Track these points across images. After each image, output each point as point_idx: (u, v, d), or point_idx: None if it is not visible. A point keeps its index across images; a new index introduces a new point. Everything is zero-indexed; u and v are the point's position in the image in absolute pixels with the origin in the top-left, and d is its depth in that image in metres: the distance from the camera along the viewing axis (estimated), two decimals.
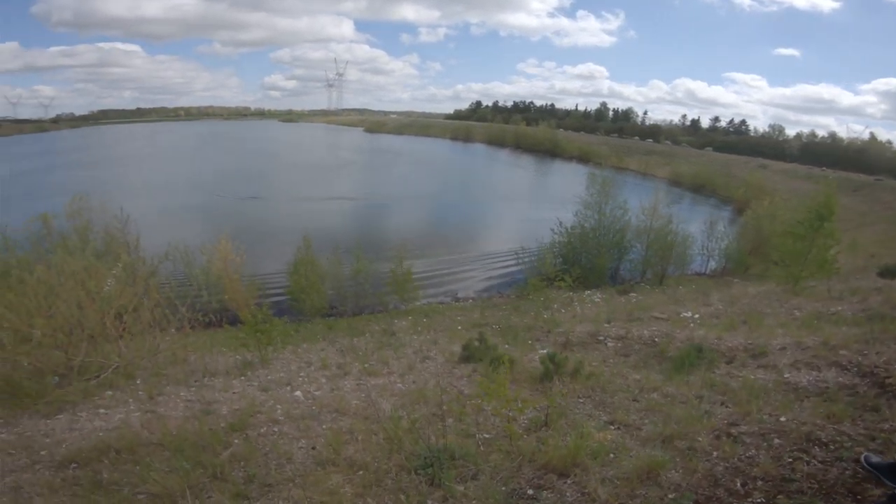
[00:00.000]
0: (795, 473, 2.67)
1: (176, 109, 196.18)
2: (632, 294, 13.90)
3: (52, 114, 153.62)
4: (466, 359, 6.20)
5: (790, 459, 2.81)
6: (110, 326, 7.50)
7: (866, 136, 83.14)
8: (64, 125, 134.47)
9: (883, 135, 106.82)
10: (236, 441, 3.83)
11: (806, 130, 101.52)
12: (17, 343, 6.12)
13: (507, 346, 7.31)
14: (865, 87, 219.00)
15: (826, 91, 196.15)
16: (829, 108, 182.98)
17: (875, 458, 2.67)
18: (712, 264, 21.03)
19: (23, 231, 12.93)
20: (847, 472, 2.62)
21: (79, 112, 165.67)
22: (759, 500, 2.48)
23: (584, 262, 18.21)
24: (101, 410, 5.12)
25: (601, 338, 7.10)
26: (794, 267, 10.11)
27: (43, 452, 3.91)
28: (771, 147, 74.56)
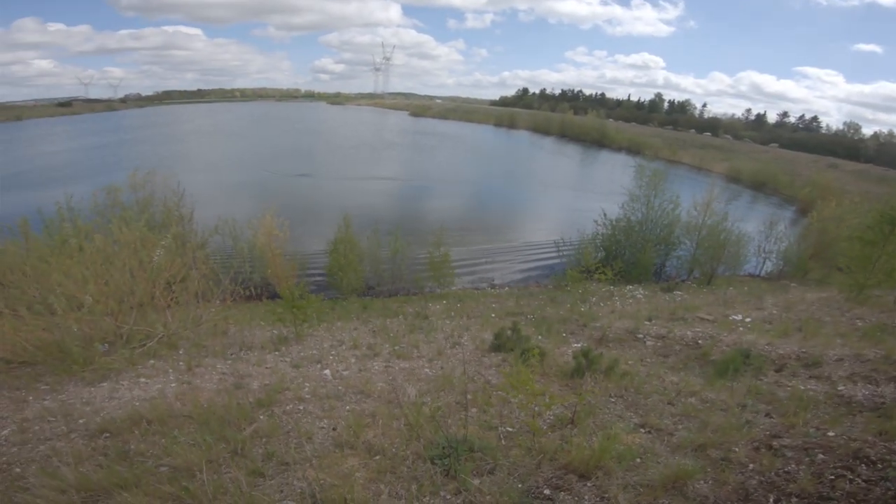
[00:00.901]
0: (835, 491, 2.48)
1: (232, 91, 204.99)
2: (676, 292, 13.27)
3: (120, 94, 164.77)
4: (497, 348, 6.11)
5: (832, 476, 2.61)
6: (159, 296, 7.87)
7: None
8: (132, 105, 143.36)
9: None
10: (261, 417, 3.91)
11: (885, 130, 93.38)
12: (69, 310, 6.36)
13: (539, 337, 7.16)
14: None
15: None
16: None
17: None
18: (768, 266, 19.74)
19: (90, 202, 13.81)
20: (891, 493, 2.42)
21: (145, 93, 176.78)
22: None
23: (628, 256, 17.53)
24: (142, 380, 5.33)
25: (640, 336, 6.82)
26: (859, 274, 9.29)
27: (81, 421, 4.07)
28: (844, 146, 68.95)
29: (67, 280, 6.55)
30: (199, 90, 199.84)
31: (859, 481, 2.55)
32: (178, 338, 7.13)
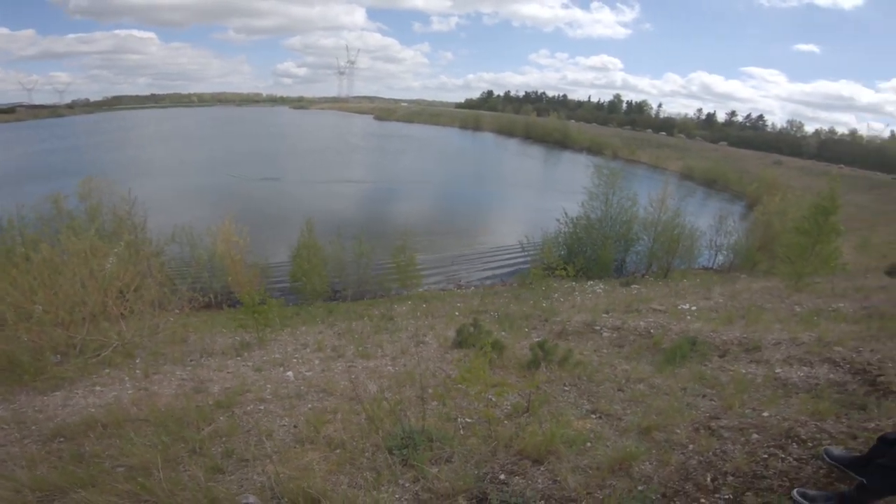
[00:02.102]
0: (768, 470, 2.63)
1: (189, 95, 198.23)
2: (634, 286, 13.78)
3: (67, 100, 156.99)
4: (459, 344, 6.21)
5: (765, 455, 2.78)
6: (112, 305, 7.63)
7: (886, 134, 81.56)
8: (79, 111, 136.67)
9: None
10: (221, 418, 3.89)
11: (825, 127, 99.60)
12: (18, 320, 6.27)
13: (503, 333, 7.30)
14: (885, 84, 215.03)
15: (846, 88, 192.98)
16: (848, 105, 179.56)
17: (837, 452, 2.65)
18: (720, 259, 20.81)
19: (34, 211, 13.12)
20: (822, 471, 2.60)
21: (93, 98, 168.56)
22: (726, 496, 2.46)
23: (589, 252, 18.11)
24: (97, 388, 5.21)
25: (597, 328, 7.06)
26: (798, 263, 9.99)
27: (34, 427, 3.99)
28: (788, 143, 73.28)
29: (14, 290, 6.28)
30: (153, 95, 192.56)
31: (790, 459, 2.72)
32: (133, 346, 6.94)
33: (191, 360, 6.42)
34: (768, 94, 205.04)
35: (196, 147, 57.50)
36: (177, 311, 8.58)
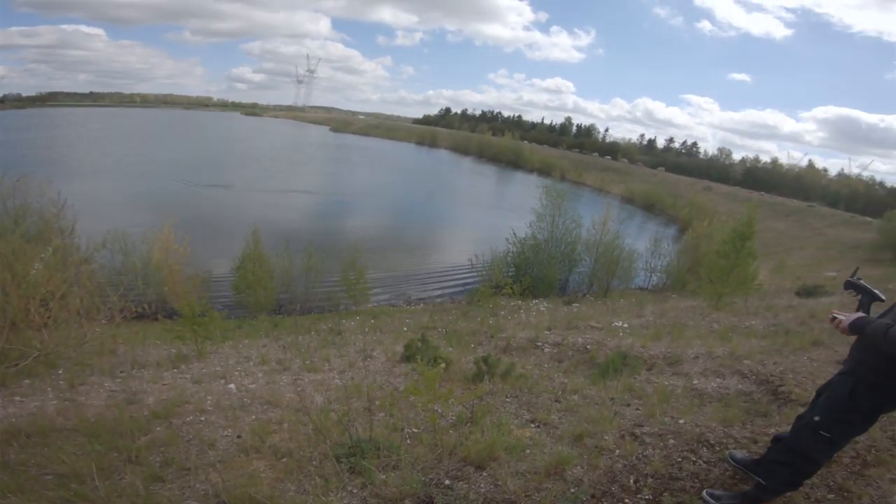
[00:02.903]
0: (682, 472, 2.92)
1: (132, 95, 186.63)
2: (575, 304, 14.48)
3: None
4: (407, 358, 6.31)
5: (679, 459, 3.07)
6: (34, 313, 7.09)
7: (805, 163, 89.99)
8: (9, 105, 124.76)
9: (820, 162, 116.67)
10: (158, 429, 3.79)
11: (751, 155, 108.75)
12: None
13: (450, 348, 7.48)
14: (806, 114, 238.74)
15: (771, 117, 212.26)
16: (772, 133, 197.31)
17: (739, 455, 2.99)
18: (654, 280, 22.19)
19: None
20: (728, 472, 2.91)
21: (27, 93, 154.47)
22: (647, 497, 2.71)
23: (536, 272, 18.71)
24: (17, 398, 4.89)
25: (539, 343, 7.40)
26: (717, 284, 10.94)
27: None
28: (717, 170, 78.34)
29: None
30: (92, 93, 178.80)
31: (701, 462, 3.01)
32: (57, 356, 6.48)
33: (121, 372, 6.12)
34: (703, 121, 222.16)
35: (133, 149, 54.11)
36: (105, 321, 8.07)
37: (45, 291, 7.25)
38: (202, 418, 4.13)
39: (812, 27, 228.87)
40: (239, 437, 3.65)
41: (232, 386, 5.33)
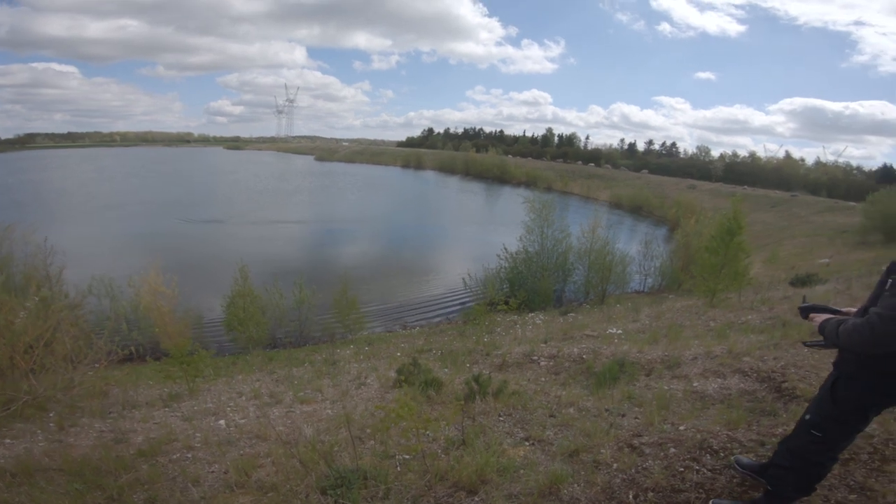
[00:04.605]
0: (685, 483, 2.76)
1: (111, 134, 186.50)
2: (571, 314, 14.35)
3: None
4: (400, 383, 6.14)
5: (681, 469, 2.91)
6: (19, 360, 7.04)
7: (782, 154, 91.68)
8: None
9: (795, 152, 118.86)
10: (144, 467, 3.70)
11: (729, 151, 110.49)
12: None
13: (445, 369, 7.32)
14: (773, 107, 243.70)
15: (740, 112, 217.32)
16: (743, 128, 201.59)
17: (746, 460, 2.82)
18: (650, 282, 22.16)
19: None
20: (735, 480, 2.75)
21: (4, 136, 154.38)
22: None
23: (529, 285, 18.62)
24: (7, 441, 4.80)
25: (535, 358, 7.26)
26: (710, 281, 10.87)
27: None
28: (698, 168, 79.05)
29: None
30: (70, 133, 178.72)
31: (705, 471, 2.85)
32: (46, 400, 6.38)
33: (111, 413, 6.04)
34: (677, 121, 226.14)
35: (120, 189, 54.15)
36: (94, 364, 8.01)
37: (30, 338, 7.19)
38: (189, 455, 4.03)
39: (761, 21, 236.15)
40: (225, 472, 3.56)
41: (222, 422, 5.22)
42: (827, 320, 2.20)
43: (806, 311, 2.44)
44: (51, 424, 5.45)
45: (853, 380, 2.10)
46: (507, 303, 11.54)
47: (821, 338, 2.28)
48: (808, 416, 2.26)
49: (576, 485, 2.89)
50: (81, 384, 7.23)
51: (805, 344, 2.61)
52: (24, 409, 5.98)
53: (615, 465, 3.08)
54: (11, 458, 4.01)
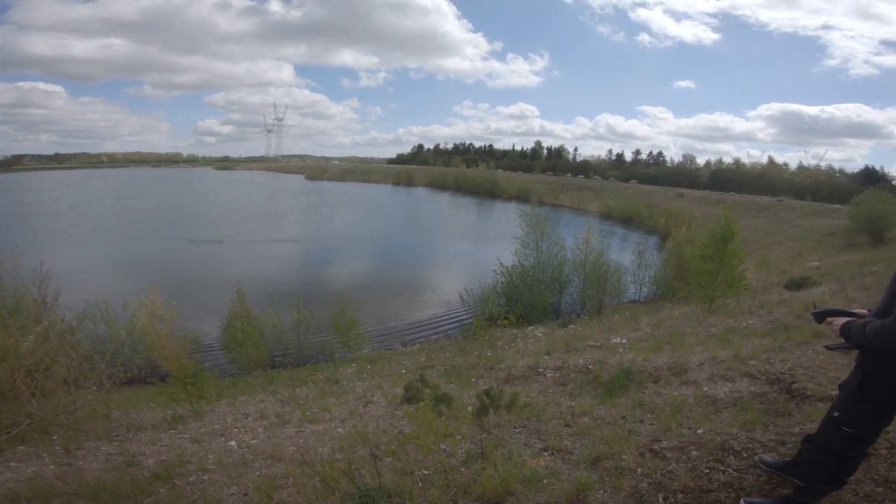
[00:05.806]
0: (713, 483, 2.81)
1: (99, 156, 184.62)
2: (570, 326, 14.39)
3: None
4: (408, 400, 6.12)
5: (706, 470, 2.96)
6: (20, 384, 6.97)
7: (765, 160, 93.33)
8: None
9: (778, 158, 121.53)
10: (161, 490, 3.63)
11: (713, 158, 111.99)
12: None
13: (451, 385, 7.30)
14: (752, 113, 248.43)
15: (721, 119, 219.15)
16: (725, 135, 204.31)
17: (769, 459, 2.88)
18: (645, 291, 22.33)
19: None
20: (762, 478, 2.81)
21: None
22: None
23: (527, 299, 18.66)
24: (13, 464, 4.71)
25: (540, 370, 7.26)
26: (707, 287, 11.01)
27: None
28: (686, 176, 79.92)
29: None
30: (58, 154, 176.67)
31: (730, 471, 2.90)
32: (49, 423, 6.27)
33: (117, 435, 5.95)
34: (661, 130, 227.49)
35: (111, 211, 53.76)
36: (95, 387, 7.92)
37: (30, 363, 7.13)
38: (205, 477, 3.97)
39: (734, 29, 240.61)
40: (245, 494, 3.51)
41: (233, 443, 5.14)
42: (847, 322, 2.28)
43: (821, 316, 2.52)
44: (56, 447, 5.37)
45: (881, 377, 2.19)
46: (507, 317, 11.55)
47: (842, 340, 2.36)
48: (836, 414, 2.34)
49: (602, 491, 2.91)
50: (83, 407, 7.16)
51: (828, 347, 2.69)
52: (28, 431, 5.91)
53: (639, 471, 3.10)
54: (22, 482, 3.93)
